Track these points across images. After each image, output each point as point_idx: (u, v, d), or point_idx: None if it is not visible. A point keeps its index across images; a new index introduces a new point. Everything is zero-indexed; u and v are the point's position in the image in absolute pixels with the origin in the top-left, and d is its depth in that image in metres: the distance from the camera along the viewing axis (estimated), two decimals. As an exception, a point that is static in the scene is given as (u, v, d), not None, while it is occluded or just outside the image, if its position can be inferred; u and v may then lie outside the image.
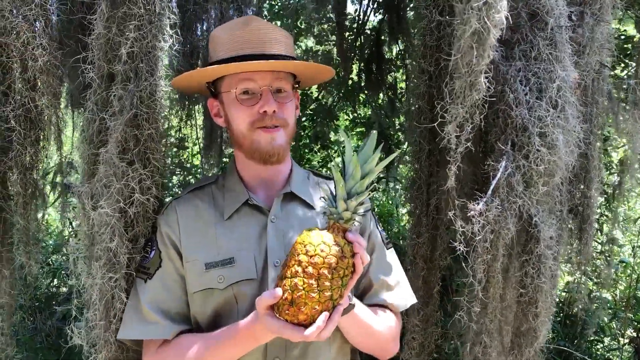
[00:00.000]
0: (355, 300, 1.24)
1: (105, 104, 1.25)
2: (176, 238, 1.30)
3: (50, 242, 4.18)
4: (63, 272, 3.76)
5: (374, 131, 1.21)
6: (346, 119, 4.51)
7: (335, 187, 1.12)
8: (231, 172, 1.40)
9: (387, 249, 1.46)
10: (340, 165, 1.15)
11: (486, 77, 1.57)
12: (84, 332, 1.27)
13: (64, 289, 3.87)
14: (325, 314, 1.06)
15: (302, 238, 1.10)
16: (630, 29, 2.70)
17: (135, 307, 1.27)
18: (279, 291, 1.07)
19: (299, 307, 1.04)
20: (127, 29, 1.21)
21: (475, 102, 1.31)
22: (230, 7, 1.65)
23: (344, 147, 1.14)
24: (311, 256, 1.06)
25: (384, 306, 1.40)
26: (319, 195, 1.41)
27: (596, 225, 3.54)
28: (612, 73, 1.87)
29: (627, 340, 3.54)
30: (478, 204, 1.36)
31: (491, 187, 1.39)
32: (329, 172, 2.31)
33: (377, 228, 1.47)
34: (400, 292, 1.42)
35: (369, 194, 1.13)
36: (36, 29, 1.32)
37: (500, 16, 1.23)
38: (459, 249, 1.32)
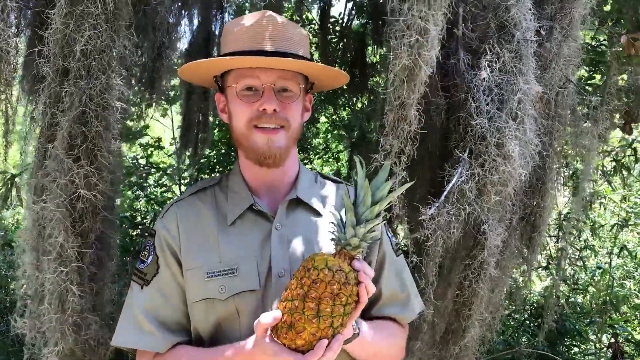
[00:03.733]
0: (359, 326, 1.20)
1: (58, 99, 1.24)
2: (175, 244, 1.24)
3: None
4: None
5: (388, 161, 1.21)
6: (325, 122, 4.52)
7: (345, 212, 1.09)
8: (235, 173, 1.35)
9: (397, 256, 1.40)
10: (350, 192, 1.13)
11: (452, 84, 1.62)
12: (29, 323, 1.26)
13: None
14: (324, 342, 1.02)
15: (307, 262, 1.08)
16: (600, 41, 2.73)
17: (131, 314, 1.23)
18: (278, 313, 1.04)
19: (297, 331, 1.02)
20: (83, 27, 1.21)
21: (408, 135, 1.34)
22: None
23: (355, 172, 1.12)
24: (314, 280, 1.03)
25: (392, 317, 1.36)
26: (327, 200, 1.37)
27: (575, 232, 3.63)
28: (577, 87, 1.90)
29: (603, 346, 3.59)
30: (430, 208, 1.37)
31: (444, 193, 1.41)
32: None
33: (387, 234, 1.41)
34: (409, 303, 1.38)
35: (379, 222, 1.09)
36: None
37: (430, 54, 1.25)
38: (412, 260, 1.34)
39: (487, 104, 1.53)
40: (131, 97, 2.20)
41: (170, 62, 2.04)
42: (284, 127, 1.23)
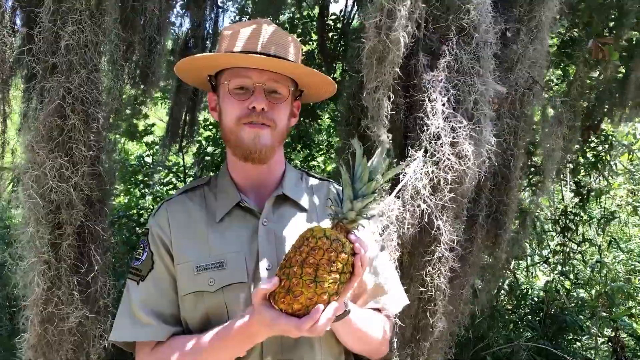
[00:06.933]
0: (350, 306, 1.22)
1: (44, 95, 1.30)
2: (167, 239, 1.29)
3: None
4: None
5: (385, 142, 1.28)
6: (327, 118, 4.59)
7: (342, 187, 1.15)
8: (223, 173, 1.40)
9: (380, 251, 1.43)
10: (348, 167, 1.17)
11: (411, 84, 1.67)
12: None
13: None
14: (320, 307, 1.04)
15: (305, 233, 1.11)
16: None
17: (128, 309, 1.26)
18: (276, 279, 1.07)
19: (295, 295, 1.04)
20: (67, 23, 1.28)
21: (384, 118, 1.38)
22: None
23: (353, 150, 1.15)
24: (312, 247, 1.06)
25: (377, 309, 1.40)
26: (313, 196, 1.42)
27: (573, 227, 3.63)
28: (544, 88, 1.97)
29: (604, 340, 3.59)
30: (379, 204, 1.44)
31: (395, 190, 1.48)
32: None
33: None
34: (393, 295, 1.39)
35: (375, 198, 1.15)
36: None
37: (396, 35, 1.30)
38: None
39: (443, 104, 1.58)
40: (129, 92, 2.28)
41: (162, 59, 2.10)
42: (270, 126, 1.29)
